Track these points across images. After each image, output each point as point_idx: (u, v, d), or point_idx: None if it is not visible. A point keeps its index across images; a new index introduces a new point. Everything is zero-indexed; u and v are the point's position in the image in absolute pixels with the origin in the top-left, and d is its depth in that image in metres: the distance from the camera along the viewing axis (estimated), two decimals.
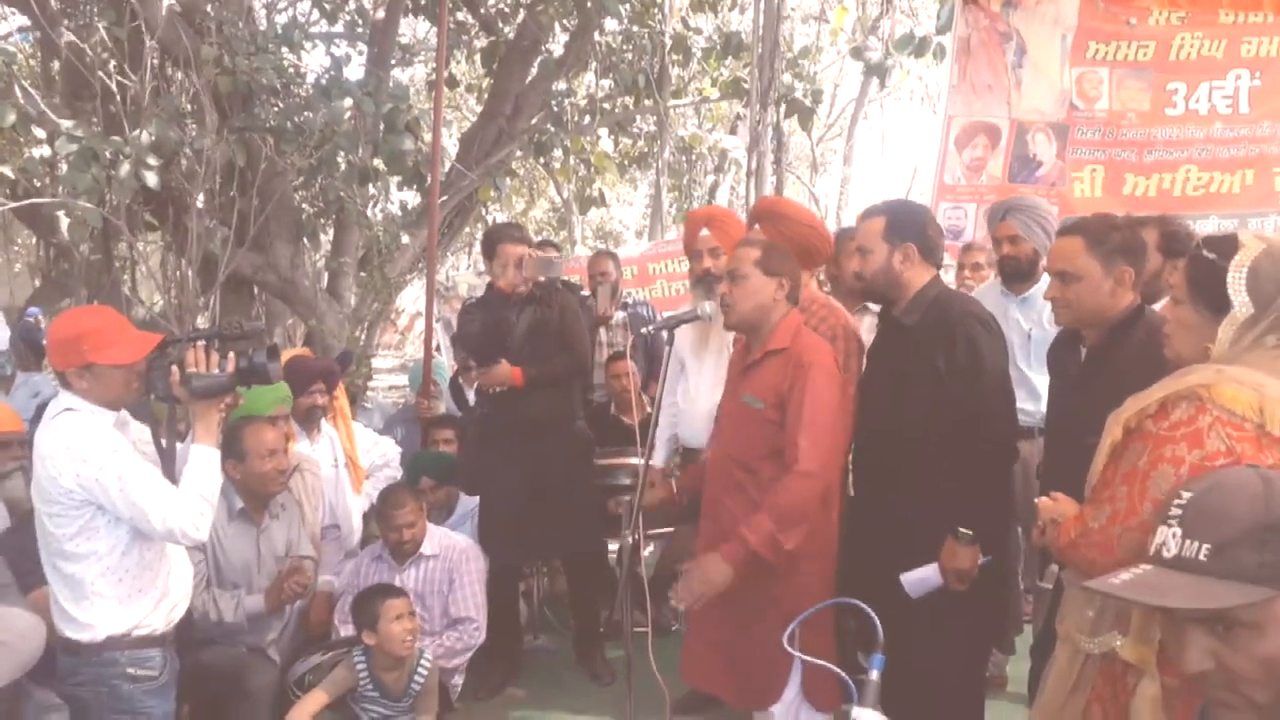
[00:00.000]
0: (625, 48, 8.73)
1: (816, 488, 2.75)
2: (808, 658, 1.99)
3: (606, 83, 8.89)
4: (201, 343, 2.59)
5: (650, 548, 4.79)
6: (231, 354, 2.60)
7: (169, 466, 2.62)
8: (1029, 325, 3.79)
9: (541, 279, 4.12)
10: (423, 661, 3.45)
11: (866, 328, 3.57)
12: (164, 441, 2.66)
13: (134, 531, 2.55)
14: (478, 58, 8.84)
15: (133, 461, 2.51)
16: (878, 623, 1.73)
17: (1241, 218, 4.96)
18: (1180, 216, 4.30)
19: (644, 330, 3.46)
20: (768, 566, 2.75)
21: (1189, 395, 1.84)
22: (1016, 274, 3.85)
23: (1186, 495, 1.23)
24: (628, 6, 8.24)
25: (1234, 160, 4.96)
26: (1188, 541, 1.18)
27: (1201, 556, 1.16)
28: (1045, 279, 3.82)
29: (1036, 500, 2.18)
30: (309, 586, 3.53)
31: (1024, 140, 5.06)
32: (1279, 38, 4.88)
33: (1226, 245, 1.92)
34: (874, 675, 1.71)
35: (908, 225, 2.90)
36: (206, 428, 2.62)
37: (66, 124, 5.70)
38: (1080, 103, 5.02)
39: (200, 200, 6.15)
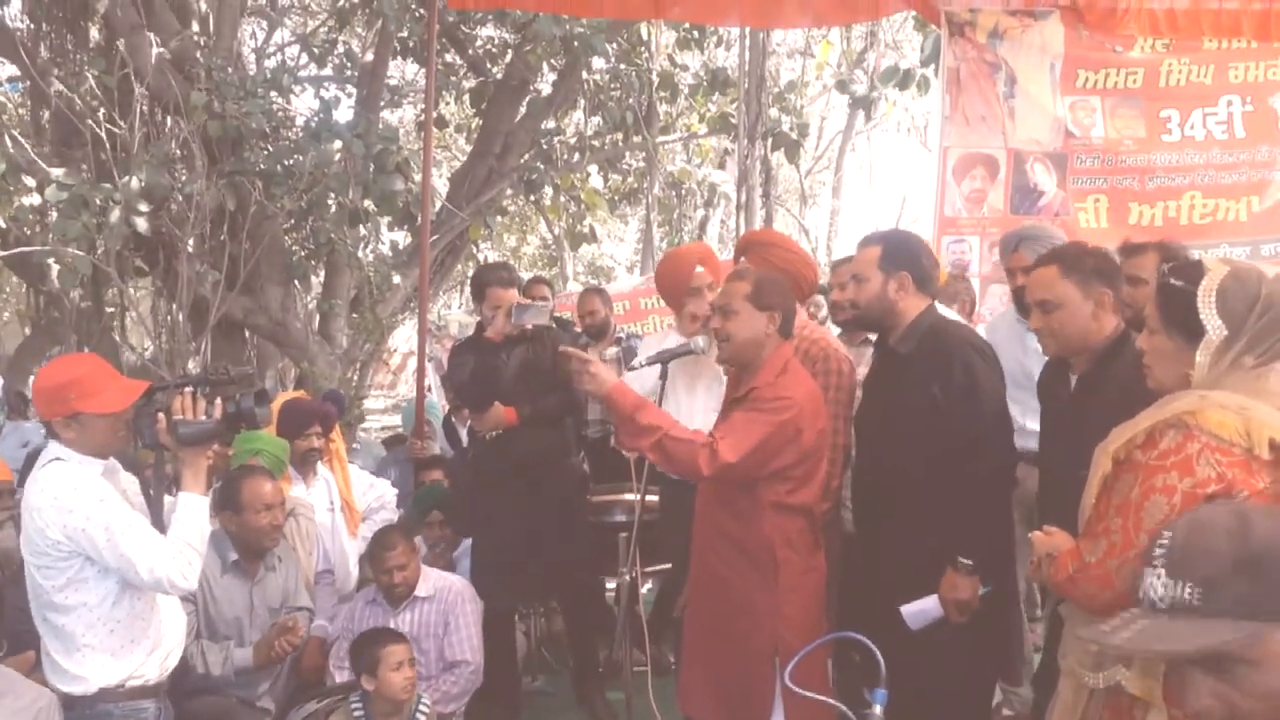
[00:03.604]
0: (613, 86, 8.82)
1: (711, 472, 2.65)
2: (808, 693, 1.97)
3: (595, 120, 8.97)
4: (189, 389, 2.57)
5: (648, 585, 4.74)
6: (219, 400, 2.58)
7: (157, 515, 2.59)
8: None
9: (529, 326, 4.10)
10: (421, 707, 3.39)
11: (867, 360, 3.57)
12: (152, 490, 2.63)
13: (124, 582, 2.51)
14: (466, 98, 8.93)
15: (120, 511, 2.49)
16: (880, 657, 1.71)
17: (1254, 244, 4.95)
18: (1190, 245, 4.30)
19: (636, 363, 3.45)
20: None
21: (1176, 423, 1.84)
22: None
23: (1168, 537, 1.23)
24: (614, 45, 8.32)
25: (1237, 186, 4.95)
26: (1175, 584, 1.19)
27: (1191, 598, 1.17)
28: None
29: (1030, 535, 2.16)
30: (299, 644, 3.49)
31: (1023, 170, 5.06)
32: (1265, 62, 4.92)
33: (1193, 271, 1.94)
34: (878, 710, 1.69)
35: (903, 254, 2.90)
36: (195, 475, 2.59)
37: (56, 172, 5.73)
38: (1076, 130, 5.04)
39: (191, 245, 6.16)
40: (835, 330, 4.06)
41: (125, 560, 2.45)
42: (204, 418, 2.55)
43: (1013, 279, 3.88)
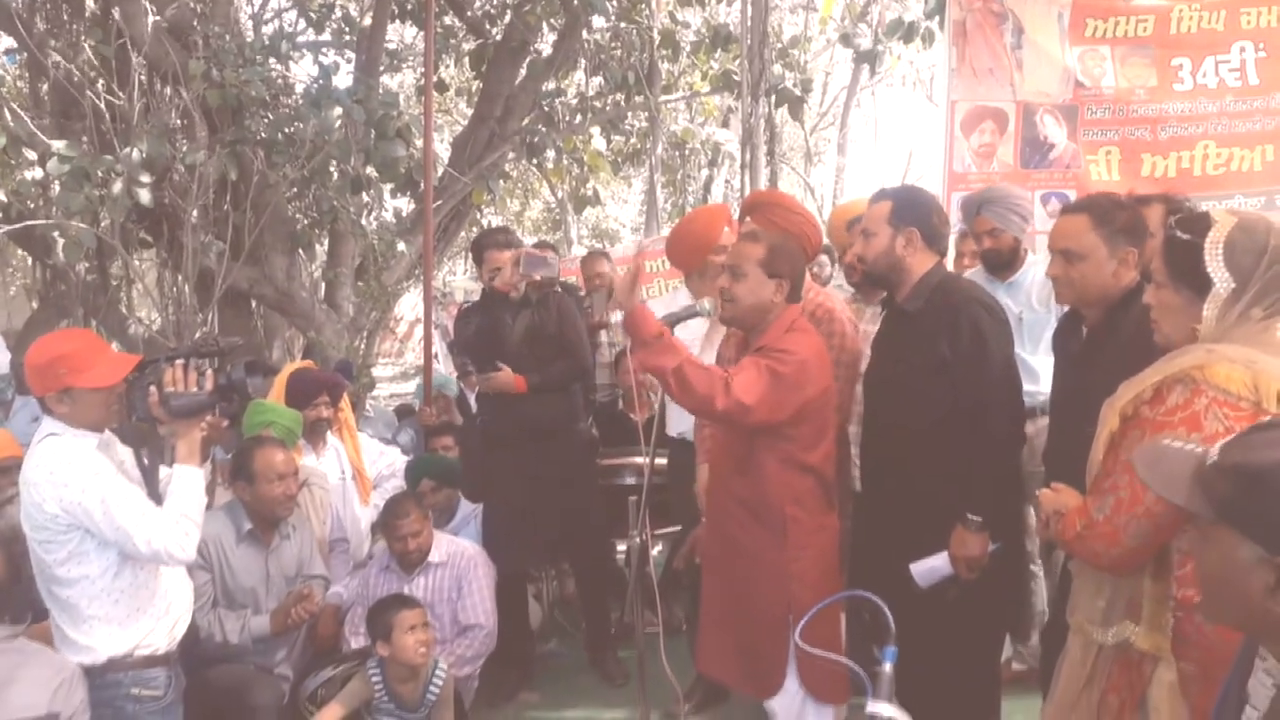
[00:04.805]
0: (614, 45, 8.70)
1: (724, 405, 2.66)
2: (817, 651, 1.99)
3: (596, 81, 8.87)
4: (180, 361, 2.57)
5: (658, 547, 4.78)
6: (210, 371, 2.59)
7: (153, 487, 2.61)
8: (1018, 309, 3.80)
9: (538, 277, 4.09)
10: (437, 672, 3.44)
11: (871, 317, 3.56)
12: (147, 461, 2.64)
13: (124, 553, 2.54)
14: (466, 61, 8.82)
15: (115, 484, 2.50)
16: (889, 615, 1.71)
17: (1269, 195, 4.87)
18: (1203, 197, 4.25)
19: None
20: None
21: (1183, 378, 1.83)
22: (1000, 264, 3.87)
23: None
24: (614, 3, 8.21)
25: (1251, 135, 4.86)
26: (1212, 450, 1.29)
27: (1208, 462, 1.29)
28: (1029, 262, 3.82)
29: (1038, 492, 2.16)
30: (315, 612, 3.52)
31: (1032, 123, 4.98)
32: (1278, 7, 4.82)
33: (1199, 223, 1.92)
34: (887, 668, 1.70)
35: (913, 210, 2.88)
36: (188, 447, 2.61)
37: (57, 145, 5.68)
38: (1086, 81, 4.94)
39: (194, 215, 6.13)
40: (849, 290, 4.04)
41: (122, 532, 2.47)
42: (195, 389, 2.56)
43: (979, 242, 3.89)
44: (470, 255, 5.36)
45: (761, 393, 2.69)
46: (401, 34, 10.63)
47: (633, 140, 10.21)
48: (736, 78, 7.99)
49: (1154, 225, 3.00)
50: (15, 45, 7.16)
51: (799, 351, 2.77)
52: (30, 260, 8.62)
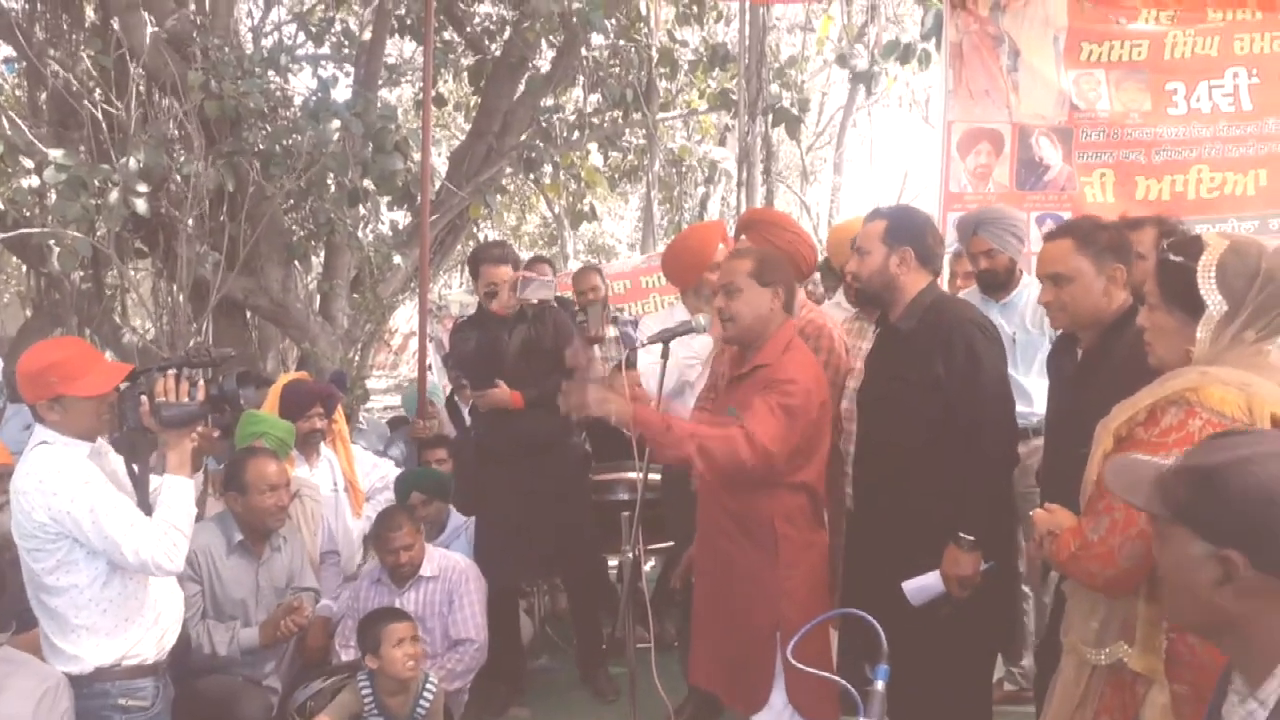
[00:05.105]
0: (612, 62, 8.76)
1: (753, 462, 2.65)
2: (808, 669, 1.98)
3: (594, 97, 8.91)
4: (172, 371, 2.57)
5: (651, 563, 4.77)
6: (201, 381, 2.58)
7: (143, 497, 2.60)
8: (1012, 329, 3.82)
9: (535, 301, 4.11)
10: (428, 685, 3.42)
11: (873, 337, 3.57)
12: (136, 470, 2.64)
13: (112, 563, 2.53)
14: (465, 76, 8.87)
15: (104, 493, 2.50)
16: (882, 633, 1.71)
17: (1262, 219, 4.90)
18: (1197, 220, 4.28)
19: (640, 344, 3.45)
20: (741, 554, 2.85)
21: (1177, 400, 1.84)
22: (995, 285, 3.89)
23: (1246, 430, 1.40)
24: (613, 21, 8.26)
25: (1245, 160, 4.89)
26: (1177, 454, 1.34)
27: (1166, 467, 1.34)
28: (1024, 283, 3.84)
29: (1032, 513, 2.17)
30: (305, 624, 3.51)
31: (1028, 145, 5.00)
32: (1270, 34, 4.86)
33: (1192, 246, 1.93)
34: (879, 686, 1.69)
35: (907, 230, 2.90)
36: (179, 457, 2.60)
37: (54, 153, 5.69)
38: (1081, 104, 4.98)
39: (190, 225, 6.14)
40: (850, 309, 4.05)
41: (110, 542, 2.46)
42: (186, 399, 2.56)
43: (975, 262, 3.91)
44: (466, 269, 5.36)
45: (780, 433, 2.70)
46: (401, 48, 10.68)
47: (630, 157, 10.25)
48: (734, 96, 8.04)
49: (1147, 248, 3.03)
50: (14, 54, 7.17)
51: (800, 378, 2.79)
52: (25, 268, 8.59)
